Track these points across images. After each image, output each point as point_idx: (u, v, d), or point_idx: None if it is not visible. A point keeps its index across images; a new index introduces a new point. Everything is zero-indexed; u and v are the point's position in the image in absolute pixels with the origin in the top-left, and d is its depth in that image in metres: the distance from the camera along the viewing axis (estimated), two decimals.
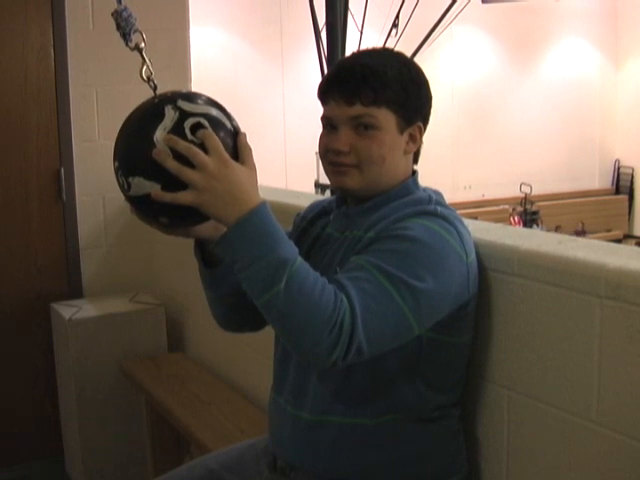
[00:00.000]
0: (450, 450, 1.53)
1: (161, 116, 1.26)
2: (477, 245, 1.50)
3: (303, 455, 1.50)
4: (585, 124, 15.45)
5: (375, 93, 1.38)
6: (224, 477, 1.65)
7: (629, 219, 15.74)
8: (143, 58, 1.39)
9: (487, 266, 1.53)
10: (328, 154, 1.44)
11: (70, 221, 3.31)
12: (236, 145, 1.29)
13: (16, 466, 3.29)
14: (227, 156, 1.24)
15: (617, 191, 16.33)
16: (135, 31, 1.40)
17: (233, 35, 11.59)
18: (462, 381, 1.54)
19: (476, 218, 8.45)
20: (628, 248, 1.49)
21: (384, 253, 1.31)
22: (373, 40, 4.81)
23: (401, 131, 1.43)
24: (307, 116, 9.95)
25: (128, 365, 3.03)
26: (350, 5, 4.79)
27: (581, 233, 13.64)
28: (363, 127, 1.40)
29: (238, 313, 1.58)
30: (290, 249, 1.24)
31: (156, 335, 3.17)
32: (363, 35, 5.60)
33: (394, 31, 5.90)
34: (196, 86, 3.16)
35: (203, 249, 1.50)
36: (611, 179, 16.31)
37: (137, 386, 2.96)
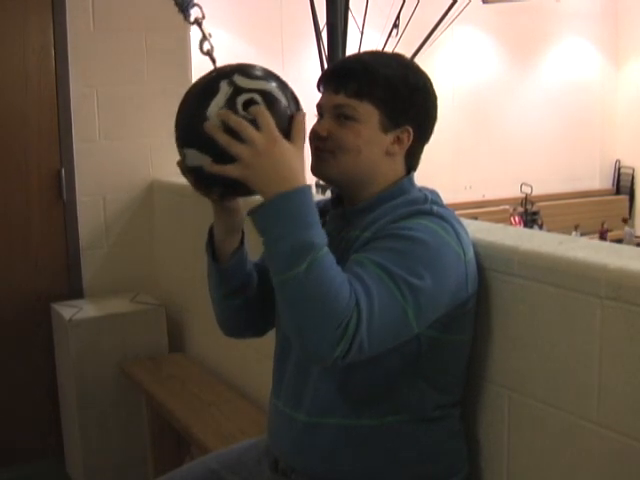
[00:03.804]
0: (450, 450, 1.53)
1: (216, 91, 1.30)
2: (477, 245, 1.51)
3: (302, 457, 1.49)
4: (586, 124, 15.44)
5: (359, 86, 1.40)
6: (225, 477, 1.65)
7: (630, 219, 15.73)
8: (203, 32, 1.41)
9: (487, 266, 1.53)
10: (312, 139, 1.46)
11: (71, 221, 3.31)
12: (289, 123, 1.32)
13: (16, 466, 3.29)
14: (277, 133, 1.27)
15: (618, 191, 16.33)
16: (193, 6, 1.42)
17: (233, 35, 11.59)
18: (462, 381, 1.54)
19: (476, 218, 8.44)
20: (629, 249, 1.49)
21: (384, 251, 1.31)
22: (374, 40, 4.81)
23: (385, 130, 1.43)
24: (308, 116, 9.95)
25: (128, 365, 3.03)
26: (351, 5, 4.78)
27: (604, 232, 13.68)
28: (344, 117, 1.42)
29: (242, 316, 1.59)
30: (321, 237, 1.26)
31: (156, 335, 3.17)
32: (364, 35, 5.59)
33: (395, 31, 5.90)
34: None
35: (214, 246, 1.53)
36: (612, 179, 16.31)
37: (137, 386, 2.96)
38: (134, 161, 3.36)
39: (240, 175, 1.26)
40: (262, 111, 1.27)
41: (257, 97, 1.30)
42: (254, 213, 1.27)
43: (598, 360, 1.35)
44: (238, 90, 1.30)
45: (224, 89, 1.30)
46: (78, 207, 3.31)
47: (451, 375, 1.51)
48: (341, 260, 1.39)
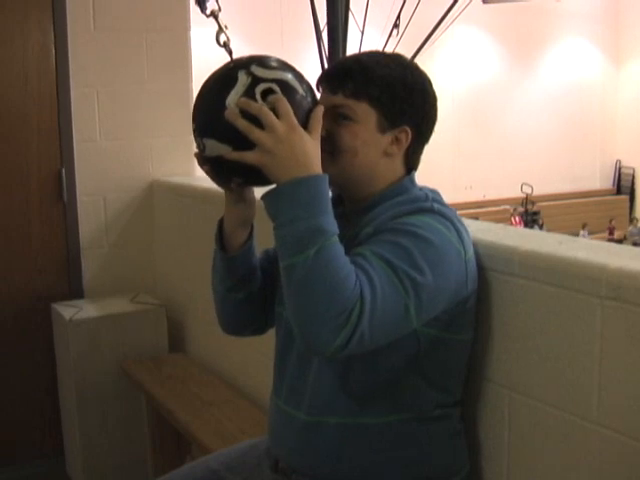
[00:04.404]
0: (451, 450, 1.53)
1: (234, 81, 1.32)
2: (478, 245, 1.51)
3: (303, 456, 1.49)
4: (586, 124, 15.45)
5: (356, 86, 1.41)
6: (225, 477, 1.65)
7: (630, 219, 15.73)
8: (219, 24, 1.42)
9: (487, 266, 1.53)
10: None
11: (71, 221, 3.31)
12: (306, 114, 1.34)
13: (16, 466, 3.29)
14: (296, 122, 1.29)
15: (618, 191, 16.34)
16: None
17: (233, 35, 11.60)
18: (462, 380, 1.54)
19: (477, 218, 8.46)
20: (629, 249, 1.49)
21: (386, 244, 1.31)
22: (374, 40, 4.82)
23: (382, 130, 1.43)
24: None
25: (129, 365, 3.03)
26: (351, 5, 4.78)
27: (613, 229, 13.70)
28: (341, 117, 1.42)
29: (244, 312, 1.60)
30: (332, 225, 1.27)
31: (157, 335, 3.17)
32: (364, 35, 5.59)
33: (395, 31, 5.89)
34: (197, 86, 3.17)
35: (222, 239, 1.55)
36: (612, 179, 16.32)
37: (138, 386, 2.96)
38: (134, 161, 3.36)
39: (259, 161, 1.28)
40: (281, 99, 1.30)
41: (275, 87, 1.32)
42: (268, 196, 1.29)
43: (598, 360, 1.35)
44: (256, 80, 1.32)
45: (242, 79, 1.32)
46: (78, 207, 3.31)
47: (451, 374, 1.50)
48: None
